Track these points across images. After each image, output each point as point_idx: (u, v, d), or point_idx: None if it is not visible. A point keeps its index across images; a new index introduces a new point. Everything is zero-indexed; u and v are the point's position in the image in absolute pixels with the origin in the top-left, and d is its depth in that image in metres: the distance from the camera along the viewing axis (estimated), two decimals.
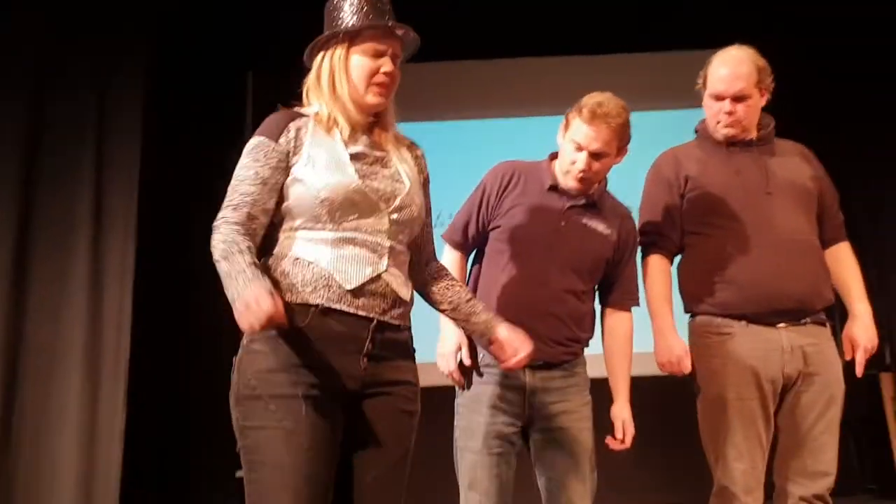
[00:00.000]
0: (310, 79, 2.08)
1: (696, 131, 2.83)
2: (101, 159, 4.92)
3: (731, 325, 2.56)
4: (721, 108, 2.66)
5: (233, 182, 1.98)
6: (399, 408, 1.98)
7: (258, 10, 5.46)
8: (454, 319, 2.21)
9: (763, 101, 2.69)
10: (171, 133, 5.28)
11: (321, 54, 2.05)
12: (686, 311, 2.72)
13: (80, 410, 4.63)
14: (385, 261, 1.97)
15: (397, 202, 2.00)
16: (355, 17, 2.01)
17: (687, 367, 2.58)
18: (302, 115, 2.05)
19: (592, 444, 2.53)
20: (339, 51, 2.02)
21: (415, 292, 2.11)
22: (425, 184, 2.18)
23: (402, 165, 2.07)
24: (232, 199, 1.95)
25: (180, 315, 5.20)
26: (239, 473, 1.91)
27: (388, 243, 1.98)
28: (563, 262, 2.53)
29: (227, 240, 1.89)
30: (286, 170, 1.97)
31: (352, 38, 2.02)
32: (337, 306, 1.90)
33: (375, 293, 1.94)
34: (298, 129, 2.00)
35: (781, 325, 2.54)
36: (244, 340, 1.93)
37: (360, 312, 1.92)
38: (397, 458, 1.97)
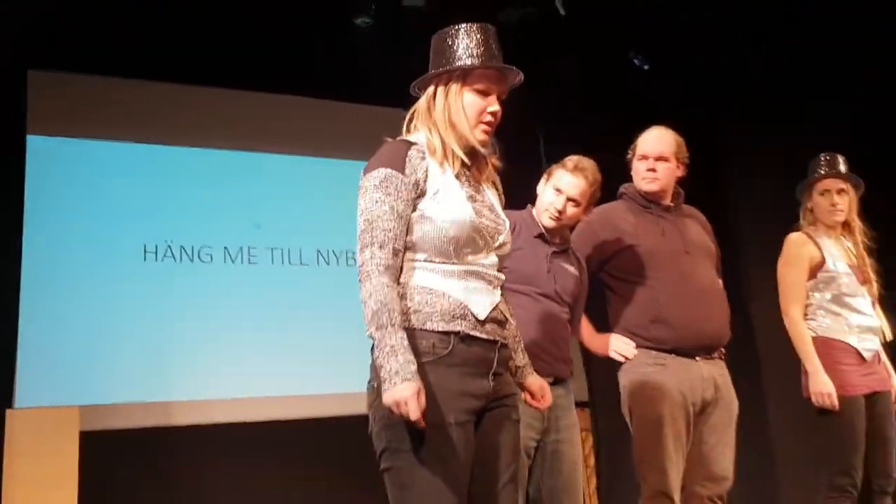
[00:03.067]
0: (420, 107, 2.20)
1: (621, 195, 3.38)
2: None
3: (665, 357, 3.11)
4: (645, 166, 3.26)
5: (366, 217, 2.05)
6: (512, 418, 2.16)
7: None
8: None
9: (679, 172, 3.31)
10: None
11: (434, 86, 2.17)
12: None
13: None
14: (498, 291, 2.19)
15: (501, 239, 2.19)
16: (471, 59, 2.12)
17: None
18: (412, 143, 2.15)
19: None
20: (455, 86, 2.14)
21: None
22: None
23: (494, 199, 2.26)
24: (375, 236, 2.03)
25: None
26: None
27: (498, 275, 2.20)
28: (556, 296, 2.95)
29: (378, 299, 1.96)
30: (414, 201, 2.09)
31: (465, 75, 2.15)
32: (473, 333, 2.07)
33: (496, 320, 2.15)
34: (420, 159, 2.12)
35: (699, 358, 3.14)
36: None
37: (490, 337, 2.11)
38: (518, 465, 2.16)
